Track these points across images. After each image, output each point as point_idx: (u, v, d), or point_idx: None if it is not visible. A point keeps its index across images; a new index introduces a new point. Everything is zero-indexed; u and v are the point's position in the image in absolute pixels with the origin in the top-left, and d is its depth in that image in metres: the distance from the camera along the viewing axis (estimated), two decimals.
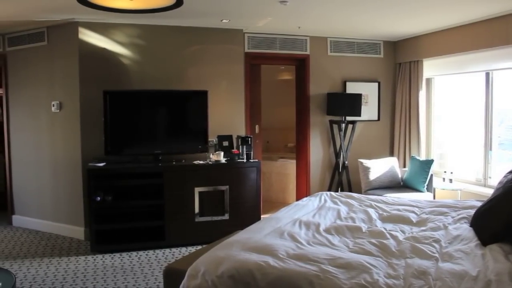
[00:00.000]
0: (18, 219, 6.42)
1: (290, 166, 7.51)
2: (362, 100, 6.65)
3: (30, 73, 6.10)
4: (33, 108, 6.12)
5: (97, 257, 5.03)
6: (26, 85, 6.17)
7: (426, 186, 5.89)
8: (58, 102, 5.82)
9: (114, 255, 5.06)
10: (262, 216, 5.59)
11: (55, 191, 5.98)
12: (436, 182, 6.11)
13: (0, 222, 6.57)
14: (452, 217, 3.66)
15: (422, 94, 6.58)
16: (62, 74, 5.79)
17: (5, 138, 6.49)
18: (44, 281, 4.33)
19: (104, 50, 5.66)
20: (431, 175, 5.94)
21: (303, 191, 6.79)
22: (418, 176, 5.94)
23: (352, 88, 6.85)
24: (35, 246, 5.46)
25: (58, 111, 5.83)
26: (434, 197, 6.00)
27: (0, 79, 6.46)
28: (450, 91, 6.58)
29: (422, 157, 6.48)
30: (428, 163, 5.92)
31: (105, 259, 4.96)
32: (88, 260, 4.92)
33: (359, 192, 5.99)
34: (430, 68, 6.56)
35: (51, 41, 5.86)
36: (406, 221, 3.66)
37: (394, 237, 3.18)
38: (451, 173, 6.04)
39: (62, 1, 4.69)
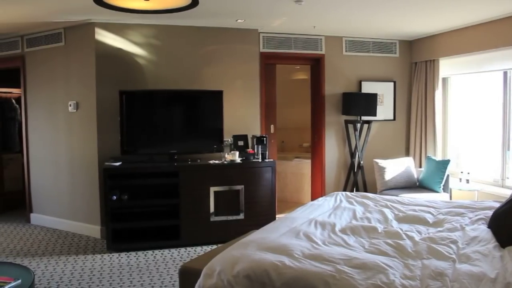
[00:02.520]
0: (36, 217, 6.50)
1: (305, 166, 7.50)
2: (378, 99, 6.61)
3: (47, 74, 6.18)
4: (50, 108, 6.20)
5: (113, 255, 5.07)
6: (43, 85, 6.25)
7: (442, 187, 5.83)
8: (75, 102, 5.88)
9: (130, 254, 5.10)
10: (277, 216, 5.59)
11: (72, 190, 6.05)
12: (453, 183, 6.05)
13: (19, 220, 6.68)
14: (469, 218, 3.63)
15: (438, 93, 6.52)
16: (78, 74, 5.84)
17: (23, 137, 6.58)
18: (62, 279, 4.38)
19: (120, 50, 5.70)
20: (448, 175, 5.88)
21: (318, 191, 6.78)
22: (434, 176, 5.88)
23: (368, 87, 6.82)
24: (52, 244, 5.53)
25: (75, 111, 5.89)
26: (450, 198, 5.95)
27: (18, 80, 6.54)
28: (467, 91, 6.51)
29: (438, 157, 6.43)
30: (445, 163, 5.87)
31: (121, 257, 5.00)
32: (104, 259, 4.97)
33: (374, 192, 5.96)
34: (446, 67, 6.50)
35: (68, 42, 5.92)
36: (422, 221, 3.64)
37: (410, 238, 3.16)
38: (468, 173, 5.98)
39: (79, 2, 4.75)
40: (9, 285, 2.76)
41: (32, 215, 6.55)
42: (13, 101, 7.53)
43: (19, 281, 2.84)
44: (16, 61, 6.44)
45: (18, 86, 6.73)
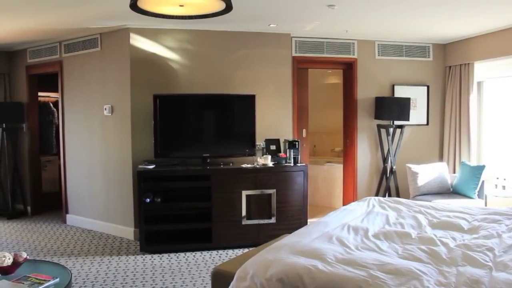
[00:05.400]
0: (71, 218, 6.66)
1: (337, 170, 7.46)
2: (411, 104, 6.53)
3: (84, 78, 6.33)
4: (86, 111, 6.34)
5: (146, 257, 5.15)
6: (80, 89, 6.40)
7: (477, 193, 5.72)
8: (110, 105, 6.00)
9: (163, 256, 5.17)
10: (308, 221, 5.58)
11: (106, 192, 6.17)
12: (488, 189, 5.93)
13: (56, 221, 6.86)
14: (506, 225, 3.56)
15: (472, 97, 6.40)
16: (114, 78, 5.96)
17: (60, 140, 6.75)
18: (96, 278, 4.48)
19: (154, 55, 5.79)
20: (483, 181, 5.76)
21: (350, 196, 6.74)
22: (469, 182, 5.78)
23: (400, 92, 6.75)
24: (87, 244, 5.65)
25: (110, 114, 6.01)
26: (485, 204, 5.82)
27: (56, 84, 6.72)
28: (502, 95, 6.37)
29: (473, 162, 6.31)
30: (479, 168, 5.76)
31: (154, 259, 5.07)
32: (138, 260, 5.05)
33: (407, 197, 5.89)
34: (481, 71, 6.38)
35: (104, 47, 6.05)
36: (457, 228, 3.59)
37: (445, 244, 3.12)
38: (504, 179, 5.86)
39: (115, 9, 4.87)
40: (49, 283, 2.84)
41: (68, 216, 6.71)
42: (51, 104, 7.75)
43: (57, 279, 2.92)
44: (55, 66, 6.63)
45: (56, 90, 6.91)
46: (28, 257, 3.17)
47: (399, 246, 3.15)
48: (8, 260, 2.94)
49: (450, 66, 6.84)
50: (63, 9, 4.89)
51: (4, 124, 6.97)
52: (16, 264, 3.01)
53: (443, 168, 6.21)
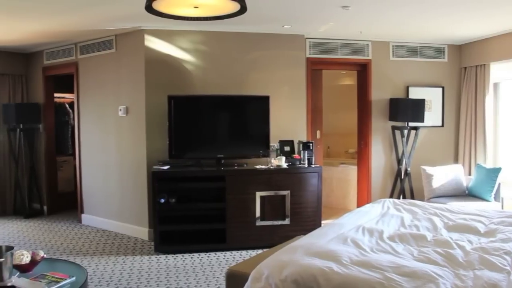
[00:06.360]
0: (87, 218, 6.72)
1: (351, 172, 7.44)
2: (426, 105, 6.49)
3: (99, 79, 6.39)
4: (101, 112, 6.40)
5: (160, 257, 5.18)
6: (95, 91, 6.46)
7: (493, 195, 5.67)
8: (124, 106, 6.05)
9: (177, 256, 5.19)
10: (322, 222, 5.57)
11: (121, 192, 6.21)
12: (505, 191, 5.85)
13: (71, 220, 6.93)
14: None
15: (489, 99, 6.35)
16: (128, 79, 6.00)
17: (76, 140, 6.81)
18: (111, 278, 4.51)
19: (168, 56, 5.82)
20: (499, 183, 5.70)
21: (364, 198, 6.71)
22: (485, 184, 5.72)
23: (415, 93, 6.71)
24: (102, 244, 5.70)
25: (125, 115, 6.05)
26: (502, 207, 5.76)
27: (72, 85, 6.79)
28: None
29: (489, 164, 6.25)
30: (496, 171, 5.70)
31: (168, 259, 5.10)
32: (152, 260, 5.08)
33: (422, 200, 5.84)
34: (497, 72, 6.31)
35: (119, 48, 6.10)
36: (474, 231, 3.55)
37: (461, 247, 3.10)
38: None
39: (130, 10, 4.91)
40: (65, 282, 2.87)
41: (83, 216, 6.77)
42: (67, 105, 7.83)
43: (74, 278, 2.94)
44: (71, 67, 6.70)
45: (71, 91, 6.98)
46: (45, 255, 3.20)
47: (415, 248, 3.13)
48: (26, 258, 2.98)
49: (465, 67, 6.78)
50: (79, 11, 4.94)
51: (21, 125, 7.05)
52: (34, 262, 3.05)
53: (458, 170, 6.16)
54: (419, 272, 2.58)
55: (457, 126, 6.94)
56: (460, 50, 6.89)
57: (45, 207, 7.41)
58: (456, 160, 6.88)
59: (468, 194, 6.01)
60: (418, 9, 4.86)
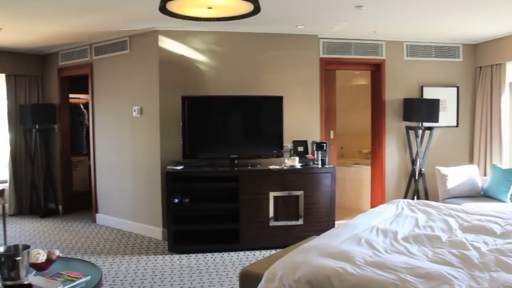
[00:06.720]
0: (101, 218, 6.77)
1: (364, 172, 7.41)
2: (440, 105, 6.44)
3: (113, 80, 6.43)
4: (115, 113, 6.44)
5: (174, 257, 5.20)
6: (109, 91, 6.51)
7: (509, 196, 5.60)
8: (139, 107, 6.08)
9: (190, 256, 5.21)
10: (336, 222, 5.55)
11: (135, 192, 6.25)
12: None
13: (86, 220, 6.99)
14: None
15: (504, 98, 6.28)
16: (142, 80, 6.04)
17: (90, 141, 6.87)
18: (125, 277, 4.55)
19: (182, 56, 5.85)
20: None
21: (378, 198, 6.68)
22: (501, 185, 5.66)
23: (429, 93, 6.66)
24: (116, 244, 5.74)
25: (139, 115, 6.09)
26: None
27: (86, 86, 6.85)
28: None
29: (505, 165, 6.17)
30: None
31: (182, 259, 5.12)
32: (166, 260, 5.10)
33: (436, 200, 5.78)
34: None
35: (133, 49, 6.14)
36: (489, 232, 3.51)
37: (477, 249, 3.07)
38: None
39: (144, 11, 4.94)
40: (80, 280, 2.89)
41: (98, 215, 6.82)
42: (81, 106, 7.90)
43: (89, 277, 2.97)
44: (85, 68, 6.76)
45: (86, 92, 7.05)
46: (60, 254, 3.24)
47: (429, 249, 3.11)
48: (42, 257, 3.01)
49: (481, 66, 6.72)
50: (94, 13, 4.99)
51: (37, 125, 7.13)
52: (49, 261, 3.08)
53: (473, 170, 6.10)
54: (433, 274, 2.56)
55: (472, 126, 6.87)
56: (475, 49, 6.83)
57: (60, 207, 7.49)
58: (471, 161, 6.82)
59: (483, 195, 5.95)
60: (431, 7, 4.81)
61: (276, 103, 5.69)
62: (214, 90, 5.86)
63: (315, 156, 5.62)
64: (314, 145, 5.70)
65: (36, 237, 6.08)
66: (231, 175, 5.41)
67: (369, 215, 4.05)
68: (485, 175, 6.42)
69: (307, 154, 5.79)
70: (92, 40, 6.54)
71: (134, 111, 6.11)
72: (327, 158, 5.71)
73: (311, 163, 5.61)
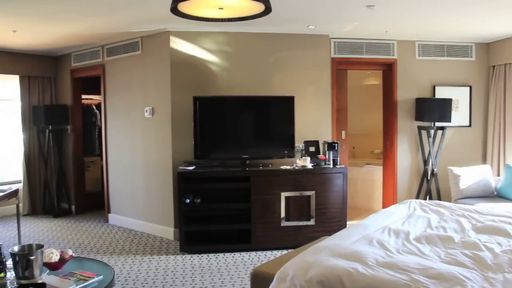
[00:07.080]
0: (113, 218, 6.82)
1: (376, 172, 7.38)
2: (452, 105, 6.39)
3: (125, 81, 6.47)
4: (127, 113, 6.48)
5: (185, 257, 5.22)
6: (121, 92, 6.55)
7: None
8: (150, 107, 6.11)
9: (202, 256, 5.22)
10: (347, 223, 5.53)
11: (147, 192, 6.28)
12: None
13: (98, 220, 7.04)
14: None
15: None
16: (154, 81, 6.06)
17: (102, 141, 6.92)
18: (137, 277, 4.57)
19: (193, 57, 5.86)
20: None
21: (389, 199, 6.65)
22: None
23: (442, 93, 6.62)
24: (128, 243, 5.77)
25: (151, 116, 6.11)
26: None
27: (98, 87, 6.90)
28: None
29: None
30: None
31: (193, 259, 5.13)
32: (177, 260, 5.12)
33: (449, 201, 5.74)
34: None
35: (145, 50, 6.17)
36: (503, 233, 3.47)
37: (490, 249, 3.04)
38: None
39: (156, 13, 4.97)
40: (93, 280, 2.91)
41: (110, 215, 6.87)
42: (94, 107, 7.96)
43: (101, 276, 2.98)
44: (98, 69, 6.81)
45: (98, 93, 7.10)
46: (73, 254, 3.26)
47: (442, 250, 3.08)
48: (55, 257, 3.04)
49: (494, 65, 6.66)
50: (107, 15, 5.03)
51: (50, 126, 7.20)
52: (62, 260, 3.10)
53: (486, 171, 6.04)
54: (446, 274, 2.55)
55: (485, 125, 6.82)
56: (488, 48, 6.77)
57: (73, 207, 7.55)
58: (484, 161, 6.76)
59: (496, 195, 5.89)
60: (443, 6, 4.77)
61: (287, 103, 5.69)
62: (225, 90, 5.87)
63: (327, 156, 5.61)
64: (326, 145, 5.69)
65: (49, 236, 6.14)
66: (243, 175, 5.42)
67: (381, 216, 4.03)
68: (498, 175, 6.37)
69: (319, 154, 5.78)
70: (104, 42, 6.58)
71: (146, 111, 6.14)
72: (338, 158, 5.70)
73: (323, 163, 5.60)
